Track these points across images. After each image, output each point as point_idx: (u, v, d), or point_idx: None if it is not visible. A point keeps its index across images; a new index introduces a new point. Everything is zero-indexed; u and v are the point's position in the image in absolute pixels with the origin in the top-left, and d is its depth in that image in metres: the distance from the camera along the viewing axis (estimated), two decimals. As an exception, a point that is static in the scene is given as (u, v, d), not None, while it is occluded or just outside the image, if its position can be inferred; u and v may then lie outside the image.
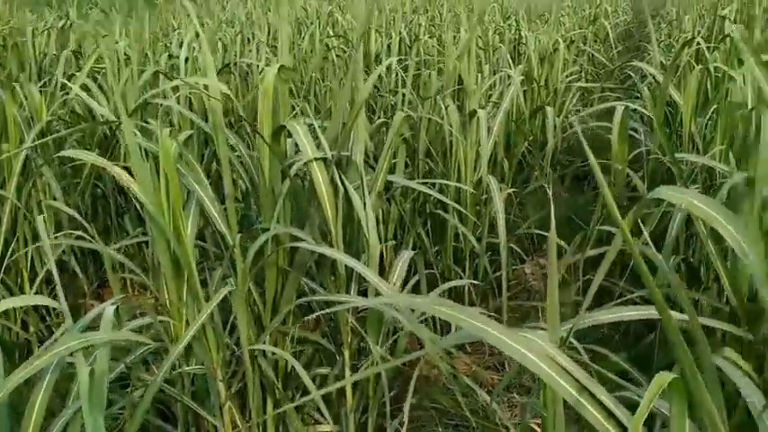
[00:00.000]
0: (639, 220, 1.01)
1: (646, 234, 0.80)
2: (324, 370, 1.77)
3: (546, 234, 2.44)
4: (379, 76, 3.53)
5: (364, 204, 1.60)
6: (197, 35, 2.71)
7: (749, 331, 1.27)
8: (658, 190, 0.77)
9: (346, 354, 1.65)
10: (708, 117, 2.37)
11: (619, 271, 2.39)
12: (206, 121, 2.30)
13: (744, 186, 1.21)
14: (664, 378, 0.59)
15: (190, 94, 2.62)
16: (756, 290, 1.35)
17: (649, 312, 0.96)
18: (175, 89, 2.56)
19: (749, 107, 1.86)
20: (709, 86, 2.61)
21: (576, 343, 1.12)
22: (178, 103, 2.54)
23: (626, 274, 1.82)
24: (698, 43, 2.67)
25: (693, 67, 2.53)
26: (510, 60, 3.50)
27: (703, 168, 2.09)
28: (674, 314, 1.13)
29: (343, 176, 1.59)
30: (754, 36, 3.59)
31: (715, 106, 2.29)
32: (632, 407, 0.85)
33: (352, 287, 1.69)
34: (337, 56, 3.67)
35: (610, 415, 0.66)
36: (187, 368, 1.58)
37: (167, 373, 1.51)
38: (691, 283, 2.13)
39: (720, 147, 1.88)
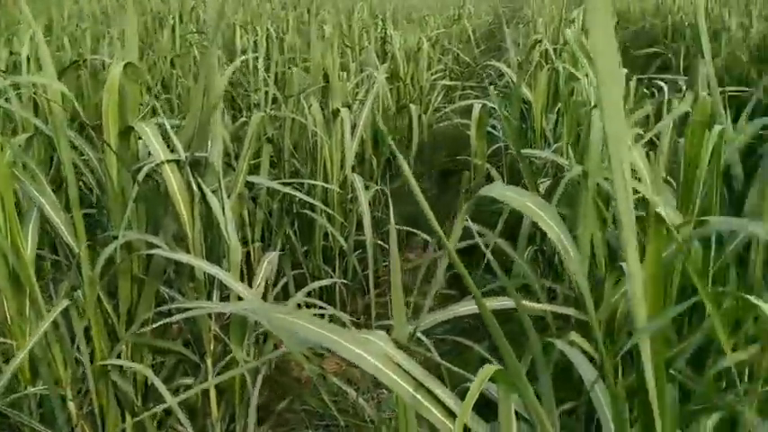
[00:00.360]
0: (467, 216, 1.04)
1: (458, 234, 0.83)
2: (189, 380, 1.71)
3: (413, 230, 2.49)
4: (246, 74, 3.46)
5: (223, 207, 1.55)
6: (43, 30, 2.53)
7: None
8: (488, 188, 0.80)
9: (209, 361, 1.60)
10: (557, 114, 2.51)
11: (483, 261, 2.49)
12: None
13: (580, 178, 1.29)
14: (488, 369, 0.62)
15: (34, 94, 2.44)
16: (596, 276, 1.45)
17: (503, 304, 1.00)
18: (17, 88, 2.37)
19: (591, 105, 1.99)
20: (559, 85, 2.78)
21: (424, 339, 1.14)
22: (21, 103, 2.35)
23: (482, 265, 1.89)
24: (545, 44, 2.83)
25: (543, 66, 2.68)
26: (376, 58, 3.54)
27: (554, 163, 2.22)
28: (528, 304, 1.18)
29: (199, 179, 1.53)
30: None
31: (560, 104, 2.43)
32: (483, 398, 0.88)
33: (214, 293, 1.64)
34: (201, 52, 3.56)
35: (450, 411, 0.68)
36: (33, 389, 1.47)
37: (6, 396, 1.40)
38: (548, 273, 2.26)
39: (566, 142, 2.00)
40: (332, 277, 2.37)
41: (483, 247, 0.77)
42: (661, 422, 0.66)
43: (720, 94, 3.53)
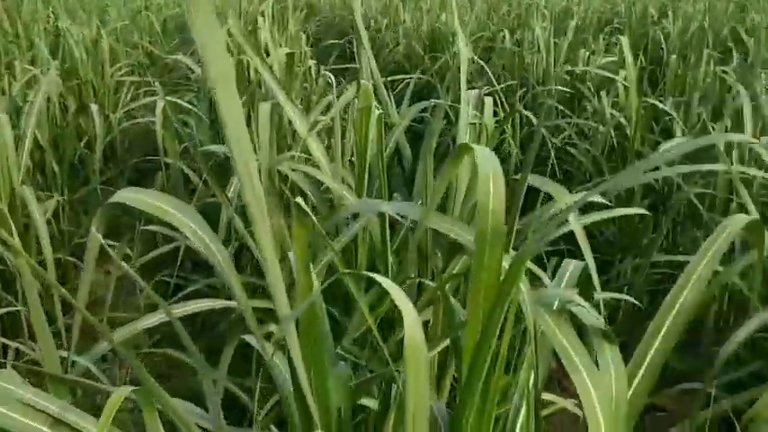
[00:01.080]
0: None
1: (95, 247, 0.77)
2: None
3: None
4: None
5: None
6: None
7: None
8: (121, 193, 0.75)
9: None
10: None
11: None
12: None
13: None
14: (124, 390, 0.58)
15: None
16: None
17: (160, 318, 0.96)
18: None
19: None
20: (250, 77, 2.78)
21: (91, 366, 1.05)
22: None
23: (177, 267, 1.83)
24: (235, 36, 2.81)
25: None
26: (50, 55, 3.19)
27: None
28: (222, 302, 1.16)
29: None
30: (288, 30, 3.96)
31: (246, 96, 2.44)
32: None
33: None
34: None
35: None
36: None
37: None
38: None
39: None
40: (14, 305, 2.08)
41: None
42: (310, 390, 0.69)
43: (400, 82, 3.85)
